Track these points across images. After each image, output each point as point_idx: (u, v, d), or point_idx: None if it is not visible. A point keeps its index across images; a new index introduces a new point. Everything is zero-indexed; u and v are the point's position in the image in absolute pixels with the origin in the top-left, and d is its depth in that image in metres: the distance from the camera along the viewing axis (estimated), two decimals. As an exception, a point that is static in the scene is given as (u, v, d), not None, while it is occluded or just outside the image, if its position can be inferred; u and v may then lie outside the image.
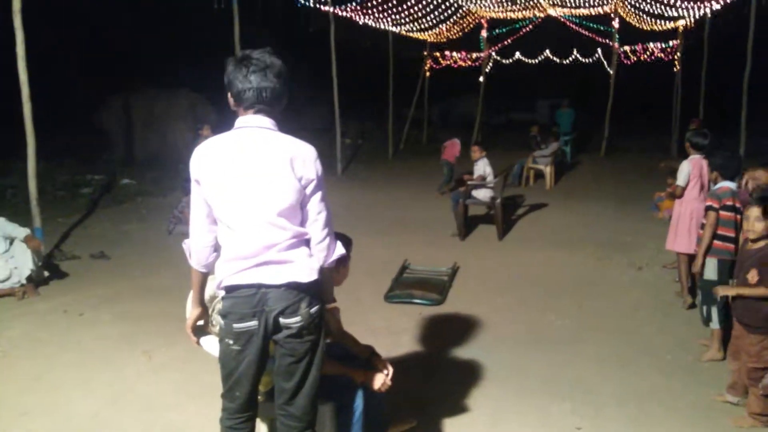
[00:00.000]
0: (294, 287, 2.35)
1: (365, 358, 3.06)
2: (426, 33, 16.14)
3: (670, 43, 16.58)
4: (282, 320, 2.35)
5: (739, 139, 11.15)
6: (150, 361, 4.31)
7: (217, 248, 2.46)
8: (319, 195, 2.40)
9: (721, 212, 4.31)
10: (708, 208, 4.36)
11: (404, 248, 7.17)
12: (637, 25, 15.71)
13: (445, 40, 17.33)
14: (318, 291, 2.44)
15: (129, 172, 11.84)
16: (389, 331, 4.85)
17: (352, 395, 2.82)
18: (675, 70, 16.53)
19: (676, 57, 16.49)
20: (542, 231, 8.21)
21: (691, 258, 4.91)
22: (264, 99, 2.34)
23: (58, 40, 13.53)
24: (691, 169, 5.19)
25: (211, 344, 2.66)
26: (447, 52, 18.49)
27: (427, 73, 18.01)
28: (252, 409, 2.51)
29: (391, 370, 2.99)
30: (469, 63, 18.85)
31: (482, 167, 8.26)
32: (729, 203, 4.32)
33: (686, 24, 15.15)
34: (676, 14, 13.79)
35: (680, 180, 5.23)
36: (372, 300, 5.57)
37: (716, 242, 4.32)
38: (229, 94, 2.39)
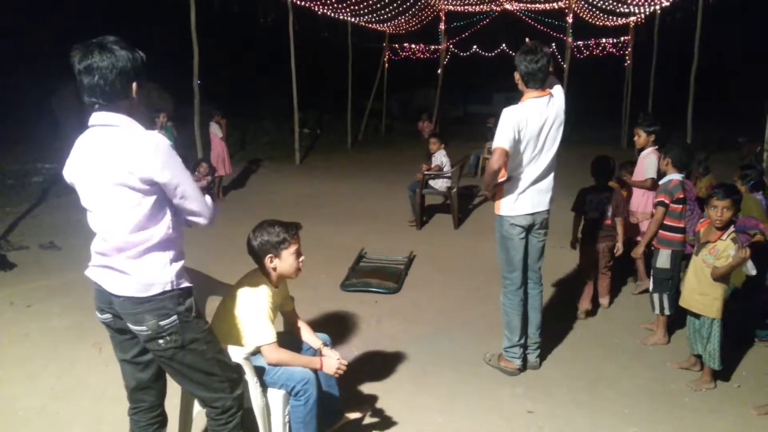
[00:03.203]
0: (133, 300, 2.23)
1: (317, 347, 3.07)
2: (385, 24, 16.14)
3: (622, 38, 17.00)
4: (130, 326, 2.29)
5: (686, 132, 11.51)
6: (100, 354, 4.22)
7: None
8: (174, 185, 2.19)
9: (673, 205, 4.39)
10: (659, 204, 4.44)
11: (361, 237, 7.20)
12: (590, 20, 16.06)
13: (404, 31, 17.37)
14: (171, 302, 2.25)
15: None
16: (345, 320, 4.88)
17: (305, 383, 2.82)
18: (626, 64, 16.95)
19: (627, 52, 16.91)
20: (497, 221, 8.32)
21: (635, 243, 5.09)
22: (94, 95, 2.16)
23: (6, 24, 13.03)
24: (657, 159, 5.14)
25: None
26: (406, 44, 18.53)
27: (386, 65, 18.02)
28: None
29: (338, 355, 3.01)
30: (428, 55, 18.94)
31: (439, 158, 8.35)
32: (681, 196, 4.44)
33: (637, 20, 15.55)
34: (627, 11, 14.15)
35: (652, 172, 5.26)
36: (328, 289, 5.57)
37: (669, 234, 4.41)
38: None
